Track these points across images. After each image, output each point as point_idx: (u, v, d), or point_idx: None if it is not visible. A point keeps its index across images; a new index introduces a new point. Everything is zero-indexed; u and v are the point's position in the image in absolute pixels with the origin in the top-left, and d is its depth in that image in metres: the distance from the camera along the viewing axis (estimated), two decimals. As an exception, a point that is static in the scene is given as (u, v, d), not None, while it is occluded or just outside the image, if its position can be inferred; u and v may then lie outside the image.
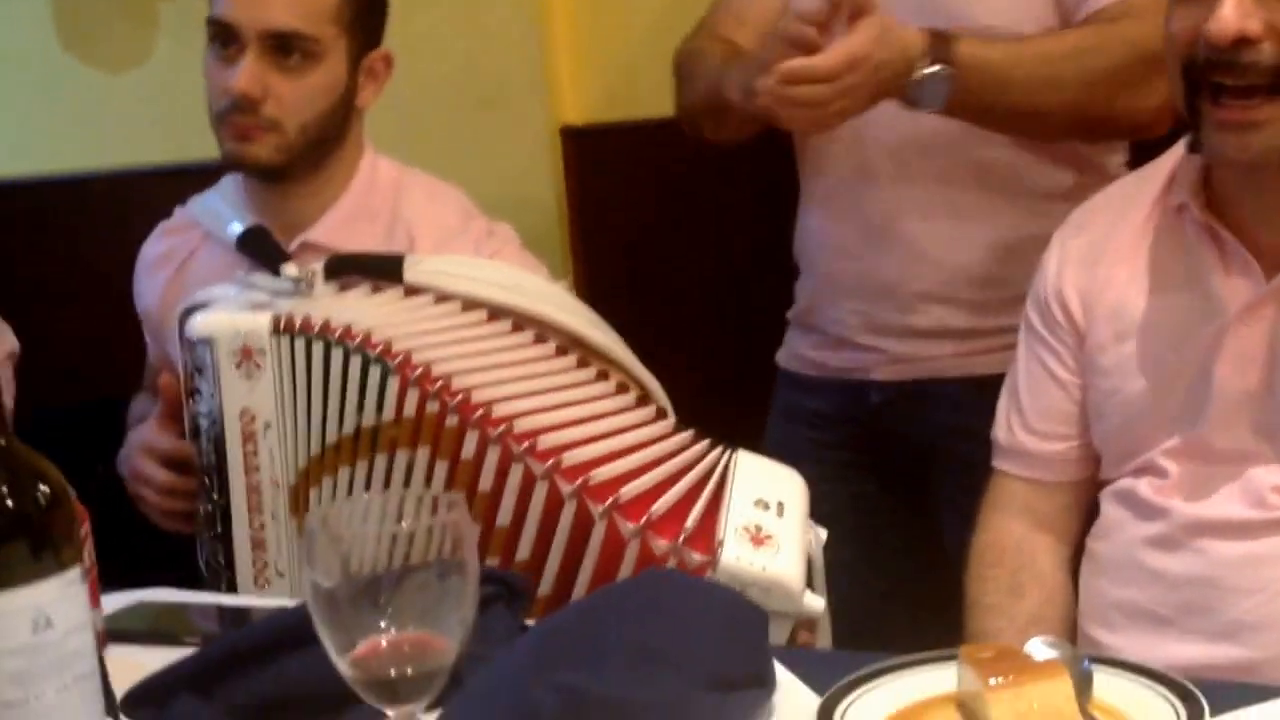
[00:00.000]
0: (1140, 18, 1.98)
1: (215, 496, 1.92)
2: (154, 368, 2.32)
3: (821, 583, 1.79)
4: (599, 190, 2.84)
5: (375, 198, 2.20)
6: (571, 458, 1.77)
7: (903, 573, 2.38)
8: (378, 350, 1.84)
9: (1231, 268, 1.71)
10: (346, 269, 2.02)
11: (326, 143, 2.14)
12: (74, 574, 1.06)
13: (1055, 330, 1.86)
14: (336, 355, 1.86)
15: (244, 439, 1.90)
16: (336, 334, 1.86)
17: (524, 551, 1.78)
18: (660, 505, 1.74)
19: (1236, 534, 1.68)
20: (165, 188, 2.82)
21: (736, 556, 1.68)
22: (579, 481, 1.75)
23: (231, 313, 1.93)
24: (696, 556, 1.69)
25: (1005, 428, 1.91)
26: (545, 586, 1.77)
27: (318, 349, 1.87)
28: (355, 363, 1.85)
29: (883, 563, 2.40)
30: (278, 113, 2.07)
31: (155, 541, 2.09)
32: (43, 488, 1.06)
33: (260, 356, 1.88)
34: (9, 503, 1.04)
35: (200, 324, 1.91)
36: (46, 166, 3.32)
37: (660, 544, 1.71)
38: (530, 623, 1.55)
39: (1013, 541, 1.87)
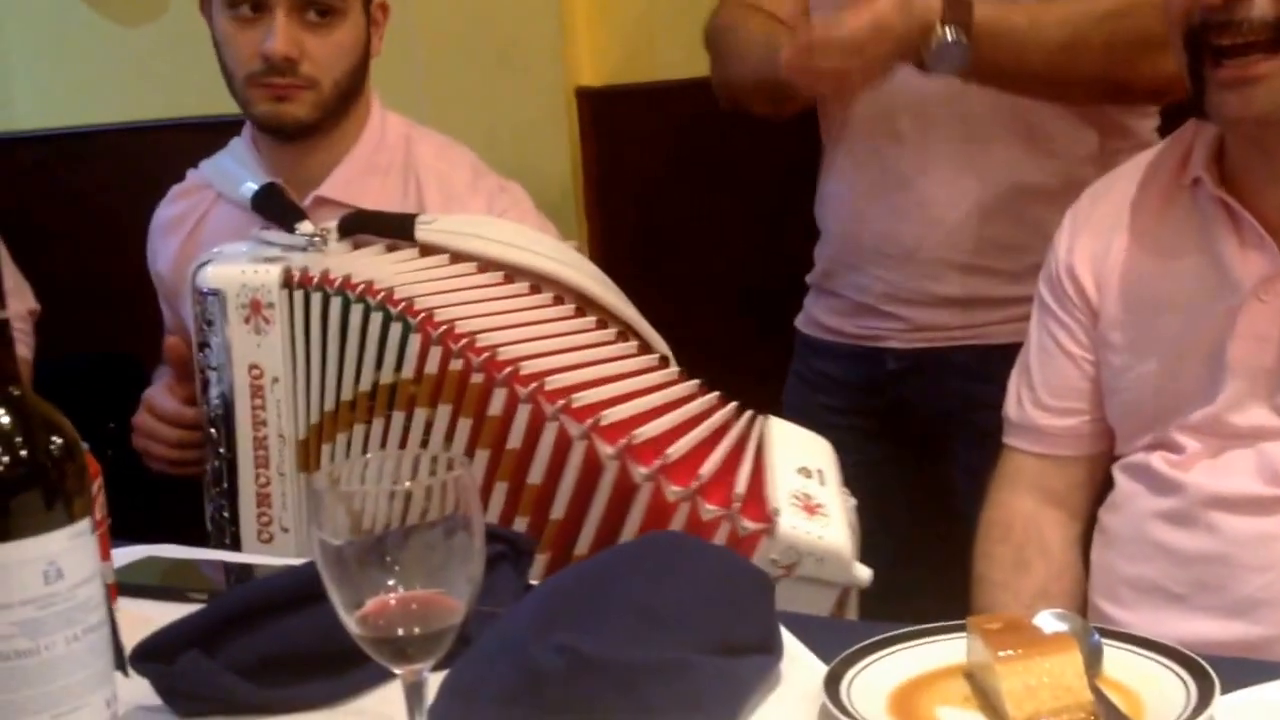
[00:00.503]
0: None
1: (222, 450, 1.92)
2: (171, 335, 2.32)
3: (858, 548, 1.78)
4: (613, 152, 2.83)
5: (385, 152, 2.23)
6: (609, 416, 1.76)
7: (914, 542, 2.38)
8: (399, 308, 1.83)
9: (1246, 242, 1.69)
10: (360, 227, 2.03)
11: (351, 96, 2.17)
12: (84, 525, 1.06)
13: (1067, 305, 1.86)
14: (356, 311, 1.85)
15: (251, 393, 1.89)
16: (357, 290, 1.86)
17: (559, 510, 1.77)
18: (707, 468, 1.73)
19: (1251, 510, 1.67)
20: (179, 141, 2.83)
21: (793, 525, 1.67)
22: (622, 442, 1.73)
23: (241, 265, 1.93)
24: (750, 524, 1.68)
25: (1016, 403, 1.90)
26: (582, 546, 1.77)
27: (335, 304, 1.87)
28: (376, 319, 1.84)
29: (894, 531, 2.40)
30: (314, 70, 2.11)
31: (166, 497, 2.10)
32: (55, 439, 1.05)
33: (269, 310, 1.88)
34: (22, 453, 1.03)
35: (209, 275, 1.91)
36: (62, 120, 3.33)
37: (710, 509, 1.70)
38: (535, 583, 1.54)
39: (1020, 517, 1.87)
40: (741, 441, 1.81)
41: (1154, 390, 1.76)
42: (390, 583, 1.13)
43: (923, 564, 2.29)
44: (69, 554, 1.04)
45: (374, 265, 1.93)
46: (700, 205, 2.69)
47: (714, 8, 2.40)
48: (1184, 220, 1.77)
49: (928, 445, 2.35)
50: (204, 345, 1.92)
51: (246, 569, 1.82)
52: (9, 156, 3.40)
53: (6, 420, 1.04)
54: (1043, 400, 1.87)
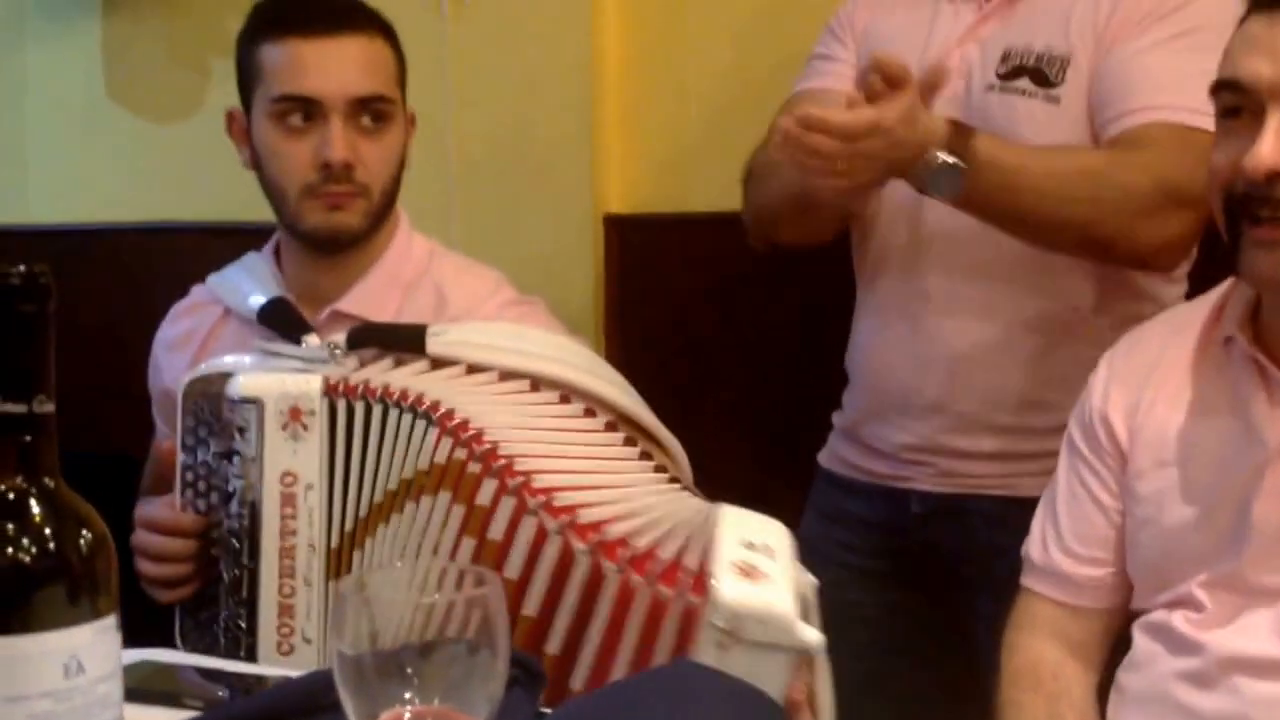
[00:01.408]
0: (1161, 149, 2.01)
1: (245, 560, 1.89)
2: (156, 460, 2.29)
3: (817, 623, 1.77)
4: (638, 280, 2.84)
5: (408, 267, 2.21)
6: (586, 514, 1.74)
7: (926, 686, 2.36)
8: (424, 407, 1.82)
9: (1275, 401, 1.70)
10: (369, 340, 2.01)
11: (390, 207, 2.17)
12: (109, 622, 1.04)
13: (1099, 452, 1.85)
14: (392, 417, 1.85)
15: (283, 501, 1.88)
16: (394, 396, 1.85)
17: (531, 608, 1.74)
18: (666, 554, 1.72)
19: (1271, 673, 1.65)
20: (196, 245, 2.84)
21: (731, 589, 1.65)
22: (594, 538, 1.72)
23: (279, 374, 1.92)
24: (694, 599, 1.68)
25: (1040, 546, 1.89)
26: (553, 645, 1.75)
27: (377, 411, 1.85)
28: (405, 421, 1.83)
29: (908, 674, 2.39)
30: (366, 177, 2.10)
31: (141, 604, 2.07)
32: (86, 533, 1.05)
33: (309, 418, 1.88)
34: (51, 546, 1.03)
35: (245, 385, 1.89)
36: (78, 215, 3.33)
37: (665, 590, 1.68)
38: (546, 711, 1.53)
39: (1047, 667, 1.84)
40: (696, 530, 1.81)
41: (1177, 544, 1.75)
42: (407, 695, 1.12)
43: (935, 708, 2.28)
44: (92, 649, 1.02)
45: (401, 376, 1.93)
46: (722, 338, 2.70)
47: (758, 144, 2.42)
48: (1215, 376, 1.77)
49: (947, 591, 2.33)
50: (228, 454, 1.91)
51: (240, 678, 1.80)
52: (24, 250, 3.40)
53: (38, 512, 1.03)
54: (1069, 546, 1.86)
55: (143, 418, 2.39)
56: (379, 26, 2.15)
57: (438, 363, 1.94)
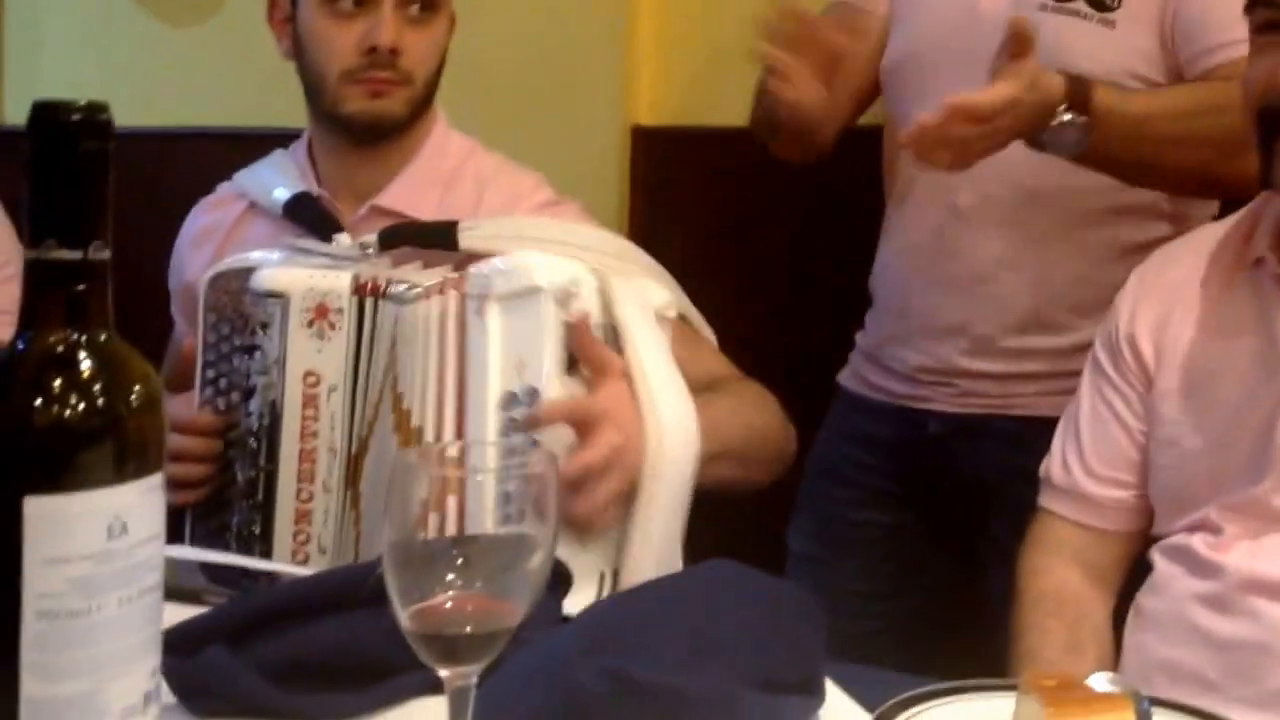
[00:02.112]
0: None
1: (262, 462, 1.87)
2: (175, 359, 2.25)
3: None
4: (666, 194, 2.83)
5: (446, 163, 2.18)
6: None
7: (936, 608, 2.37)
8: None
9: None
10: (401, 239, 2.00)
11: (431, 98, 2.15)
12: (155, 481, 1.02)
13: (1125, 372, 1.84)
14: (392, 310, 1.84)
15: (304, 402, 1.85)
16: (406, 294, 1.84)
17: None
18: None
19: None
20: (215, 151, 2.80)
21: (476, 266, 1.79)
22: None
23: (307, 269, 1.89)
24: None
25: (1061, 467, 1.87)
26: None
27: (404, 312, 1.84)
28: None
29: (917, 594, 2.38)
30: (411, 66, 2.08)
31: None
32: (138, 388, 1.02)
33: (336, 316, 1.85)
34: (100, 401, 1.00)
35: (270, 278, 1.88)
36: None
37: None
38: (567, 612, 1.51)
39: (1070, 592, 1.84)
40: None
41: (1199, 467, 1.75)
42: (450, 577, 1.10)
43: (944, 629, 2.27)
44: (136, 509, 1.00)
45: (430, 275, 1.90)
46: (749, 254, 2.69)
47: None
48: (1244, 298, 1.76)
49: (961, 513, 2.33)
50: (249, 349, 1.88)
51: (234, 571, 1.77)
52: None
53: (89, 366, 1.00)
54: (1092, 467, 1.84)
55: (160, 326, 2.35)
56: None
57: (471, 257, 1.92)
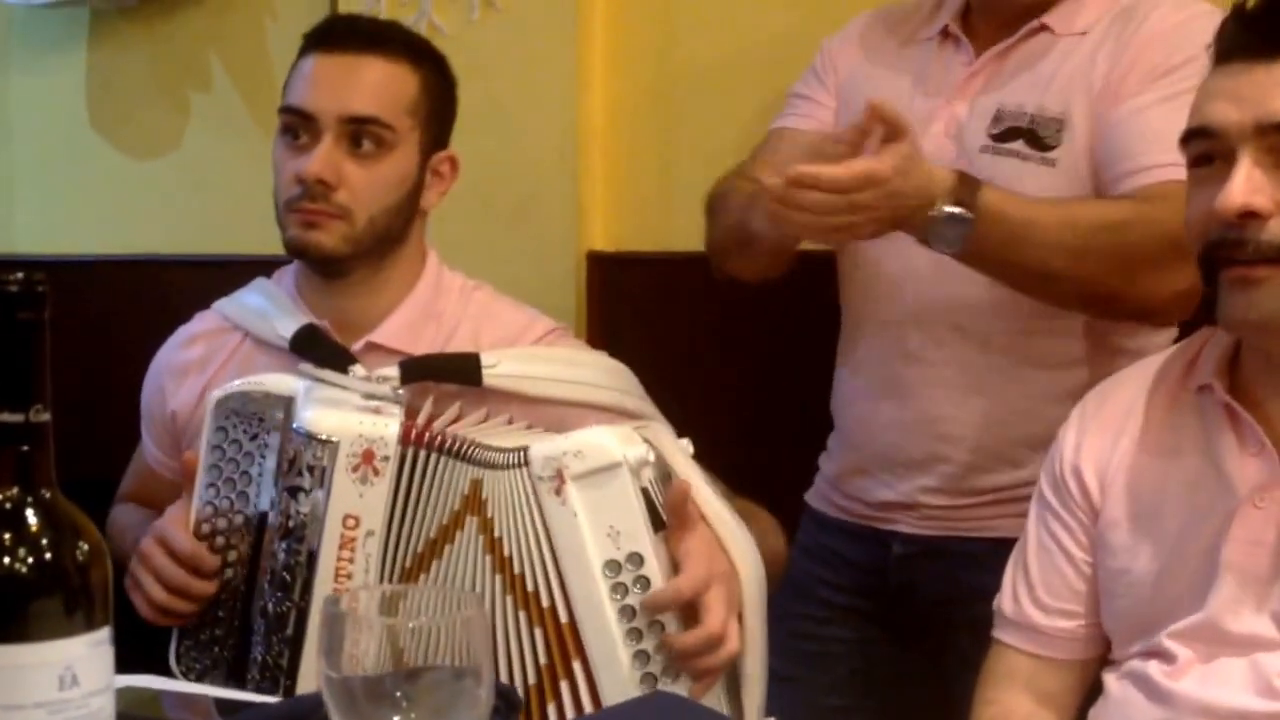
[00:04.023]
0: (1174, 204, 1.99)
1: (296, 598, 1.88)
2: (144, 474, 2.29)
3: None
4: (621, 319, 2.84)
5: (441, 300, 2.18)
6: None
7: (913, 718, 2.37)
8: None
9: (1247, 449, 1.70)
10: (422, 372, 2.02)
11: (390, 240, 2.12)
12: (103, 634, 1.05)
13: (1069, 505, 1.85)
14: (461, 469, 1.88)
15: (341, 543, 1.87)
16: (468, 452, 1.88)
17: None
18: None
19: None
20: (180, 278, 2.83)
21: (540, 445, 1.83)
22: None
23: (350, 412, 1.91)
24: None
25: (1011, 599, 1.88)
26: None
27: (447, 464, 1.88)
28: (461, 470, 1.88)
29: (890, 707, 2.38)
30: (348, 200, 2.06)
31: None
32: (82, 545, 1.05)
33: (382, 464, 1.88)
34: (47, 556, 1.03)
35: (319, 420, 1.89)
36: (62, 247, 3.32)
37: None
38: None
39: (1020, 717, 1.84)
40: None
41: (1150, 593, 1.75)
42: (395, 719, 1.12)
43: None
44: (86, 661, 1.02)
45: (472, 430, 1.95)
46: (705, 378, 2.71)
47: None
48: (1187, 424, 1.77)
49: (926, 631, 2.33)
50: (296, 490, 1.89)
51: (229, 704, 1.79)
52: (6, 279, 3.38)
53: (35, 522, 1.03)
54: (1040, 599, 1.85)
55: (125, 450, 2.37)
56: (414, 56, 2.14)
57: (496, 395, 2.01)
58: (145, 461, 2.29)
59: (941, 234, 1.99)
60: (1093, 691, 1.84)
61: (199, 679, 1.96)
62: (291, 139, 2.09)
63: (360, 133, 2.07)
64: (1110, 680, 1.79)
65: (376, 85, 2.09)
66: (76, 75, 3.29)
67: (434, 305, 2.17)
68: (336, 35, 2.13)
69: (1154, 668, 1.72)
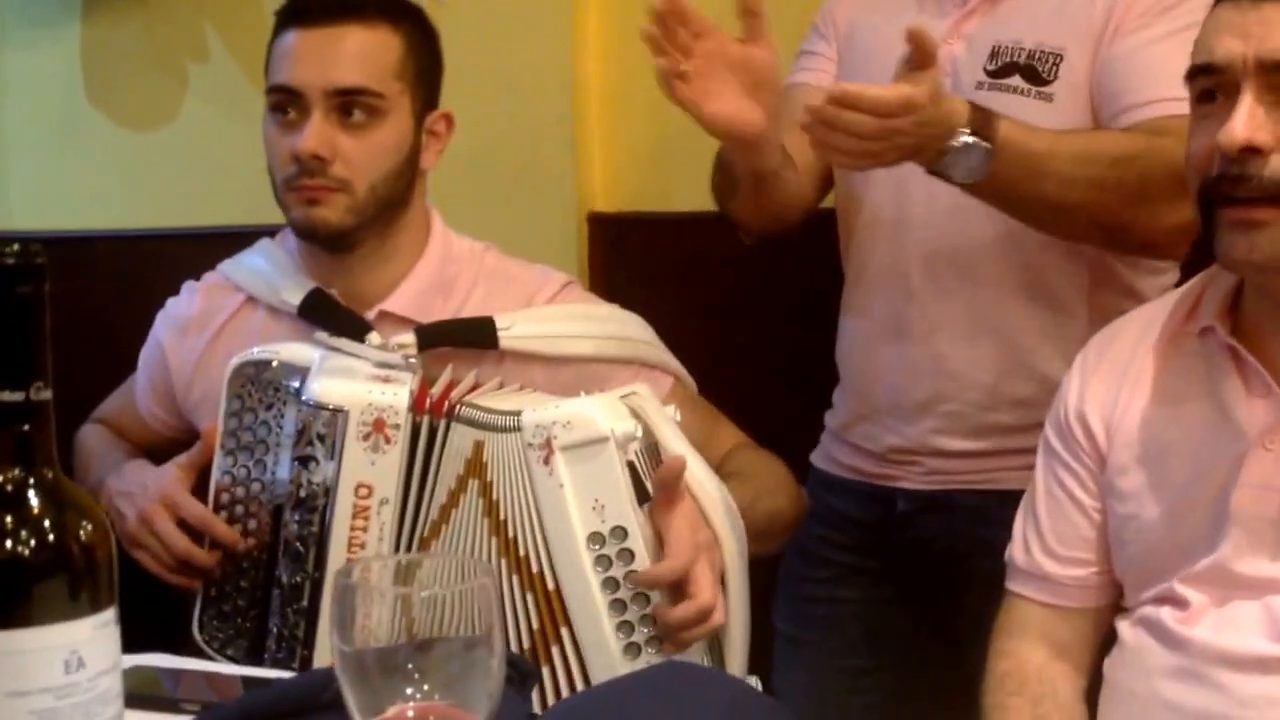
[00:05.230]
0: (1180, 138, 1.98)
1: (310, 569, 1.89)
2: (130, 411, 2.29)
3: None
4: (622, 279, 2.84)
5: (452, 267, 2.17)
6: None
7: (913, 682, 2.37)
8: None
9: (1253, 391, 1.69)
10: (439, 339, 2.03)
11: (394, 205, 2.11)
12: (108, 615, 1.04)
13: (1076, 452, 1.84)
14: (470, 434, 1.89)
15: (354, 513, 1.88)
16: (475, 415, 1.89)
17: None
18: None
19: (1256, 669, 1.64)
20: (177, 252, 2.82)
21: (532, 413, 1.84)
22: None
23: (360, 382, 1.91)
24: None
25: (1023, 549, 1.88)
26: None
27: (454, 428, 1.89)
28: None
29: (894, 670, 2.39)
30: (347, 172, 2.04)
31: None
32: (86, 525, 1.04)
33: (393, 431, 1.87)
34: (50, 538, 1.02)
35: (327, 390, 1.89)
36: (59, 223, 3.31)
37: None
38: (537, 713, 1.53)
39: (1033, 669, 1.83)
40: None
41: (1159, 539, 1.75)
42: (409, 691, 1.11)
43: (922, 704, 2.27)
44: (92, 643, 1.01)
45: (484, 396, 1.96)
46: (708, 338, 2.70)
47: None
48: (1191, 368, 1.77)
49: (933, 588, 2.34)
50: (307, 460, 1.89)
51: (231, 680, 1.80)
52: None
53: (37, 503, 1.02)
54: (1051, 548, 1.85)
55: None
56: (392, 17, 2.11)
57: (514, 358, 2.04)
58: (134, 400, 2.29)
59: (959, 164, 1.98)
60: (1107, 642, 1.84)
61: (221, 649, 1.97)
62: (281, 116, 2.08)
63: (350, 104, 2.05)
64: (1124, 628, 1.79)
65: (359, 54, 2.06)
66: (71, 48, 3.28)
67: (444, 271, 2.16)
68: (312, 7, 2.09)
69: (1167, 614, 1.72)
